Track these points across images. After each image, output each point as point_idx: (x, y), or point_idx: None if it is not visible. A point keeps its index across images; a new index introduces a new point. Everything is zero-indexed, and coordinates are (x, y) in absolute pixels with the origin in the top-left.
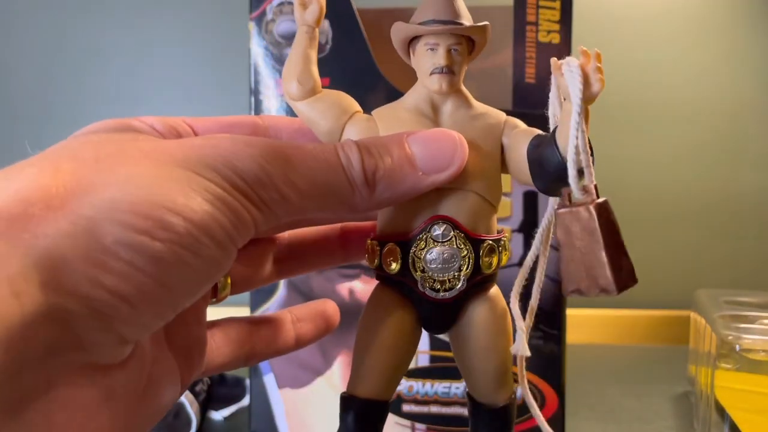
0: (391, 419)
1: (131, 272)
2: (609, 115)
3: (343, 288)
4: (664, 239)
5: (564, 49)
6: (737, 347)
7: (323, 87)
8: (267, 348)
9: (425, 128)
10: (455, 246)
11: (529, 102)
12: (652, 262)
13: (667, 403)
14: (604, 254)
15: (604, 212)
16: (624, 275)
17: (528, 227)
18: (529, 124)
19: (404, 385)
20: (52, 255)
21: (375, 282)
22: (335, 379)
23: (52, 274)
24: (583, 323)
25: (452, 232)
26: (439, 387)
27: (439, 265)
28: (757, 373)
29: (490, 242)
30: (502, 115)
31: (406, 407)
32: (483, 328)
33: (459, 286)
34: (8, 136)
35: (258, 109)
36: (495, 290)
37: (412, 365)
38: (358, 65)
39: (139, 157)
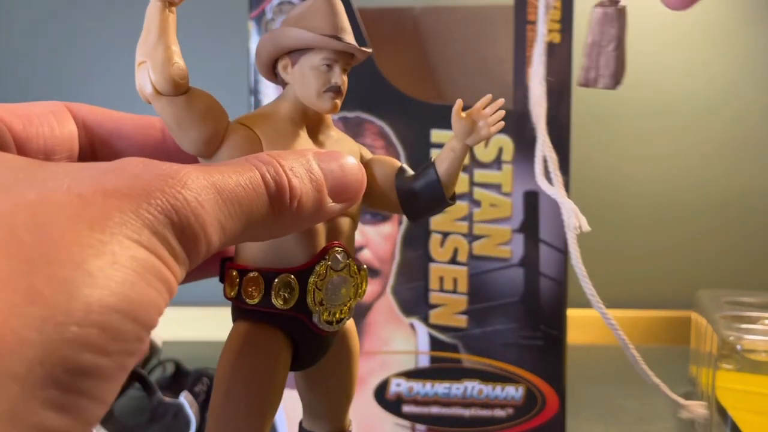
0: (392, 420)
1: (79, 404)
2: (609, 115)
3: None
4: (666, 239)
5: (564, 48)
6: (738, 348)
7: None
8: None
9: (308, 147)
10: (348, 274)
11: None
12: (654, 262)
13: (668, 404)
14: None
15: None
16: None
17: (528, 227)
18: (530, 124)
19: (404, 386)
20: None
21: (375, 283)
22: None
23: None
24: (584, 324)
25: (347, 260)
26: (440, 388)
27: (335, 296)
28: (758, 373)
29: (365, 268)
30: (354, 143)
31: (407, 408)
32: (349, 359)
33: (347, 316)
34: None
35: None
36: (350, 321)
37: (412, 366)
38: (359, 65)
39: (68, 227)
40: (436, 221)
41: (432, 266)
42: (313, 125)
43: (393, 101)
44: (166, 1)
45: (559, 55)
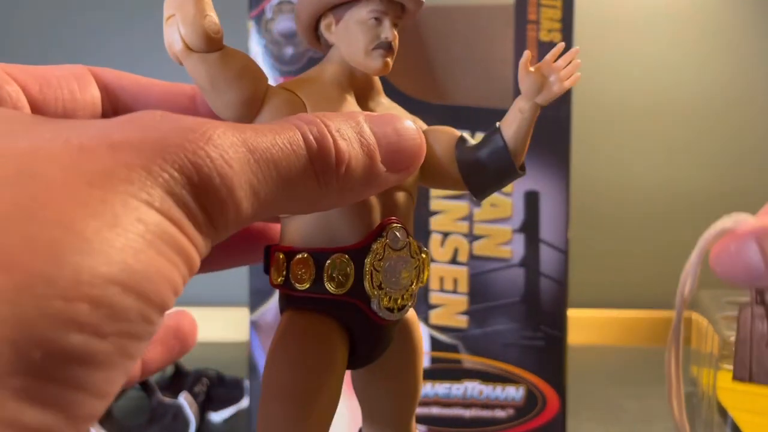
0: None
1: (67, 396)
2: (609, 114)
3: None
4: (667, 239)
5: (565, 48)
6: None
7: None
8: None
9: (358, 110)
10: (409, 255)
11: None
12: (654, 262)
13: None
14: None
15: None
16: None
17: (529, 227)
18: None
19: None
20: None
21: None
22: None
23: None
24: (585, 324)
25: (405, 239)
26: (440, 388)
27: (395, 278)
28: None
29: (425, 250)
30: (406, 113)
31: None
32: (413, 354)
33: (410, 303)
34: None
35: None
36: (412, 310)
37: None
38: None
39: (62, 184)
40: (436, 221)
41: (432, 266)
42: (362, 90)
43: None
44: None
45: (558, 55)
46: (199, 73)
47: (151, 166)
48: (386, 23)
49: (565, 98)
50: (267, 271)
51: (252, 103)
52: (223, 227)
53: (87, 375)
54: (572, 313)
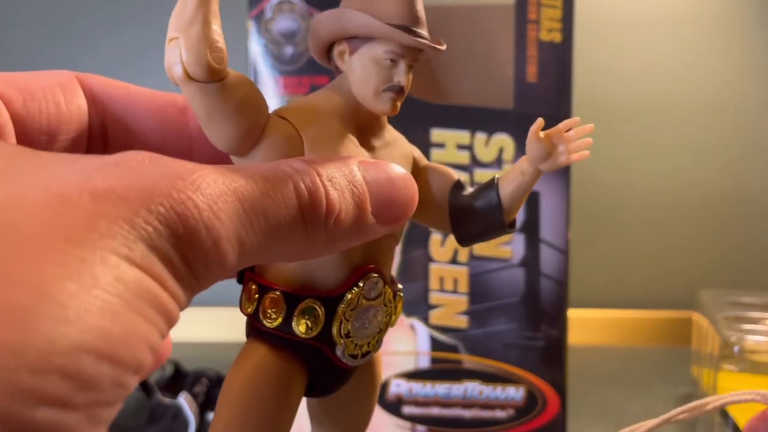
0: (392, 421)
1: None
2: (610, 115)
3: None
4: (667, 239)
5: (565, 47)
6: (740, 348)
7: (322, 86)
8: None
9: (357, 152)
10: (382, 303)
11: (530, 101)
12: (655, 262)
13: (670, 404)
14: None
15: None
16: None
17: (529, 227)
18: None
19: (405, 387)
20: None
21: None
22: None
23: None
24: (585, 324)
25: (382, 288)
26: (440, 388)
27: (364, 328)
28: (759, 374)
29: (400, 295)
30: (409, 145)
31: (407, 409)
32: (372, 390)
33: (374, 350)
34: None
35: None
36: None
37: (412, 367)
38: None
39: (37, 238)
40: None
41: (432, 266)
42: (365, 124)
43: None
44: None
45: (559, 55)
46: (196, 103)
47: (134, 218)
48: (401, 66)
49: (565, 98)
50: (240, 282)
51: (248, 138)
52: (206, 279)
53: None
54: (572, 313)
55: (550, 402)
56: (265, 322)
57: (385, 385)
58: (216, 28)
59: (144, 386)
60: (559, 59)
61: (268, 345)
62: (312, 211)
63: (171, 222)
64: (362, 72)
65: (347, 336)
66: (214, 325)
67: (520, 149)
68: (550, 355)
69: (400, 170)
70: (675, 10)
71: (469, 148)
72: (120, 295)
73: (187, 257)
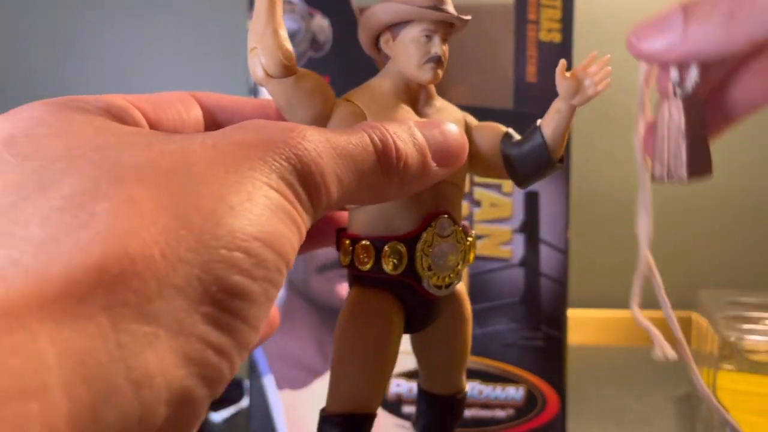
0: (392, 420)
1: (235, 325)
2: (610, 114)
3: (343, 288)
4: (667, 239)
5: (565, 47)
6: (740, 348)
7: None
8: None
9: (413, 117)
10: (455, 241)
11: (530, 101)
12: (655, 262)
13: (669, 404)
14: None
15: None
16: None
17: (529, 227)
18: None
19: (404, 387)
20: (163, 319)
21: None
22: None
23: (164, 344)
24: (585, 324)
25: (452, 227)
26: None
27: (442, 261)
28: (759, 374)
29: (472, 233)
30: (460, 111)
31: (407, 409)
32: (459, 322)
33: (456, 281)
34: None
35: None
36: (461, 285)
37: (412, 366)
38: (358, 64)
39: (208, 170)
40: None
41: None
42: (417, 97)
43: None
44: None
45: (559, 55)
46: (277, 95)
47: (266, 158)
48: (436, 40)
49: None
50: (338, 249)
51: (322, 117)
52: (318, 207)
53: (245, 308)
54: (572, 313)
55: (550, 402)
56: (359, 266)
57: None
58: (283, 34)
59: None
60: (559, 59)
61: (365, 287)
62: (386, 156)
63: (291, 160)
64: (405, 51)
65: (429, 269)
66: None
67: None
68: (549, 355)
69: (449, 124)
70: None
71: None
72: (268, 207)
73: (304, 187)
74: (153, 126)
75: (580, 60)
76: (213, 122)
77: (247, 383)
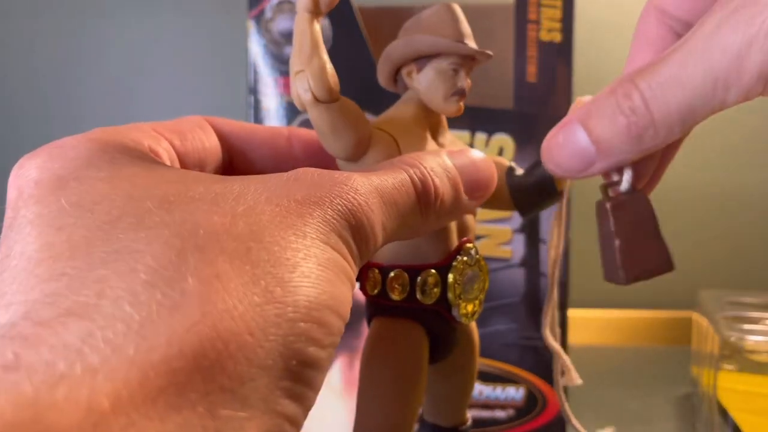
0: None
1: (306, 394)
2: None
3: None
4: (667, 239)
5: (565, 47)
6: (740, 348)
7: None
8: None
9: (435, 148)
10: (478, 269)
11: (530, 101)
12: None
13: (670, 404)
14: (660, 234)
15: (647, 199)
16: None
17: (529, 228)
18: (531, 123)
19: None
20: (252, 400)
21: None
22: (334, 381)
23: (254, 425)
24: (585, 325)
25: (477, 255)
26: None
27: (469, 289)
28: (760, 374)
29: (485, 261)
30: (461, 142)
31: None
32: (473, 351)
33: (480, 309)
34: (7, 136)
35: (257, 108)
36: None
37: None
38: (358, 64)
39: (276, 231)
40: None
41: None
42: (434, 126)
43: (392, 100)
44: (315, 12)
45: (560, 54)
46: (323, 120)
47: (325, 216)
48: (462, 74)
49: (565, 98)
50: (358, 279)
51: (363, 143)
52: (366, 255)
53: (315, 377)
54: (572, 314)
55: (550, 402)
56: (392, 296)
57: None
58: (326, 58)
59: None
60: (559, 59)
61: (392, 316)
62: (425, 196)
63: (347, 216)
64: (432, 83)
65: (460, 297)
66: None
67: (520, 149)
68: (549, 355)
69: (479, 154)
70: None
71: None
72: (332, 270)
73: (356, 240)
74: (180, 157)
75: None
76: (227, 148)
77: None
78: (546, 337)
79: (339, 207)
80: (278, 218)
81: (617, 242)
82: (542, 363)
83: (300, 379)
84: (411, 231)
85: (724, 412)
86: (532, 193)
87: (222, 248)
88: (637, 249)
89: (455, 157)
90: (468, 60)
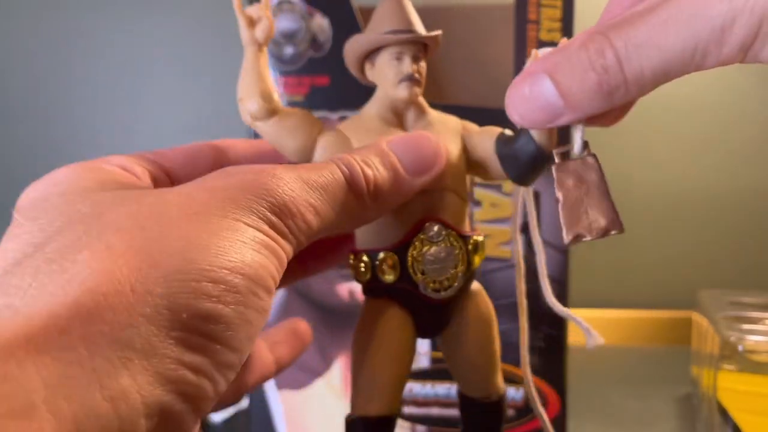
0: None
1: (210, 346)
2: None
3: (343, 288)
4: (667, 239)
5: None
6: (740, 348)
7: (322, 86)
8: (252, 379)
9: (386, 137)
10: (449, 244)
11: None
12: (655, 262)
13: (670, 404)
14: (608, 196)
15: (598, 163)
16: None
17: (528, 227)
18: None
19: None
20: (135, 344)
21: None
22: (334, 380)
23: (138, 366)
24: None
25: (444, 232)
26: (440, 388)
27: (437, 265)
28: (760, 374)
29: (475, 238)
30: (458, 120)
31: (407, 409)
32: (476, 323)
33: (457, 284)
34: (7, 138)
35: None
36: (476, 285)
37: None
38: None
39: (179, 215)
40: None
41: None
42: (403, 116)
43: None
44: (255, 44)
45: None
46: (266, 134)
47: (237, 198)
48: (406, 60)
49: None
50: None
51: (307, 147)
52: (298, 234)
53: (220, 331)
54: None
55: (550, 402)
56: (359, 278)
57: None
58: (263, 84)
59: None
60: None
61: (374, 296)
62: (355, 181)
63: (264, 196)
64: (381, 75)
65: (423, 274)
66: None
67: None
68: (549, 355)
69: (422, 134)
70: None
71: None
72: (239, 240)
73: (281, 217)
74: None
75: None
76: (167, 179)
77: None
78: (553, 304)
79: (255, 190)
80: (183, 203)
81: (561, 202)
82: (542, 363)
83: (197, 331)
84: (353, 216)
85: (723, 412)
86: (519, 157)
87: (119, 227)
88: (584, 210)
89: (395, 141)
90: (412, 46)
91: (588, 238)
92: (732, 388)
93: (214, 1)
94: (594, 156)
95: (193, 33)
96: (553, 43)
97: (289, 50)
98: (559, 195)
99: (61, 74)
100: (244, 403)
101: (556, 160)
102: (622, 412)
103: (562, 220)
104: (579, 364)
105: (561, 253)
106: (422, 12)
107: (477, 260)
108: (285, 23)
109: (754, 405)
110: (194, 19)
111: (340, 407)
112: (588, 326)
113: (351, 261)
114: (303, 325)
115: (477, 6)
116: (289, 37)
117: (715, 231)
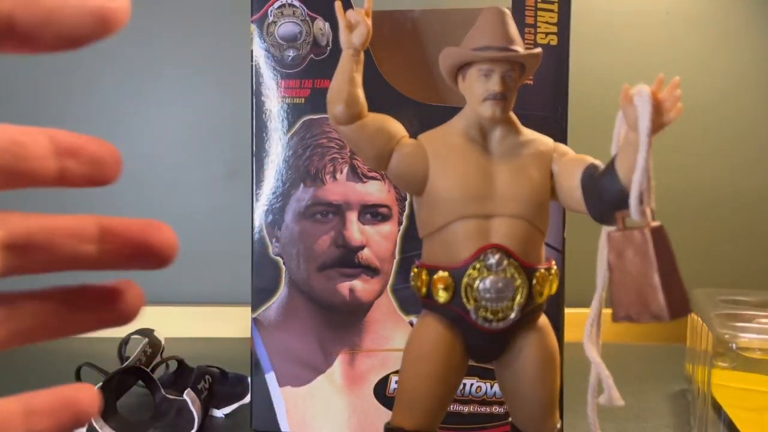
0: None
1: None
2: (606, 117)
3: (344, 287)
4: None
5: (562, 51)
6: (734, 346)
7: (323, 88)
8: None
9: (475, 154)
10: (509, 275)
11: (528, 103)
12: None
13: (664, 401)
14: (657, 278)
15: (659, 236)
16: (677, 301)
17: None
18: (528, 125)
19: None
20: None
21: (375, 281)
22: (336, 377)
23: None
24: (581, 322)
25: (506, 261)
26: None
27: (493, 295)
28: (753, 371)
29: (543, 271)
30: (551, 142)
31: None
32: (533, 359)
33: (513, 316)
34: None
35: (259, 111)
36: (544, 320)
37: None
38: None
39: None
40: None
41: None
42: (492, 134)
43: (392, 103)
44: (351, 48)
45: (556, 56)
46: (347, 138)
47: None
48: (494, 78)
49: (562, 100)
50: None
51: (383, 157)
52: None
53: None
54: (569, 311)
55: None
56: (417, 292)
57: (385, 382)
58: (351, 88)
59: (148, 383)
60: (555, 62)
61: (431, 312)
62: None
63: None
64: (469, 91)
65: (476, 301)
66: (216, 322)
67: None
68: None
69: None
70: (672, 12)
71: None
72: None
73: None
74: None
75: (575, 62)
76: None
77: (249, 380)
78: (588, 349)
79: None
80: None
81: (658, 273)
82: None
83: None
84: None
85: (717, 408)
86: (600, 198)
87: None
88: (670, 282)
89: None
90: (501, 64)
91: (637, 321)
92: (725, 384)
93: (219, 5)
94: (661, 227)
95: (197, 36)
96: (549, 47)
97: (290, 53)
98: (613, 263)
99: (67, 76)
100: (247, 398)
101: (617, 225)
102: (617, 409)
103: (612, 294)
104: (574, 360)
105: (557, 252)
106: (422, 15)
107: (542, 292)
108: (286, 27)
109: (747, 401)
110: (198, 22)
111: (342, 404)
112: (612, 384)
113: (413, 272)
114: (87, 396)
115: (476, 9)
116: (291, 40)
117: (710, 230)
